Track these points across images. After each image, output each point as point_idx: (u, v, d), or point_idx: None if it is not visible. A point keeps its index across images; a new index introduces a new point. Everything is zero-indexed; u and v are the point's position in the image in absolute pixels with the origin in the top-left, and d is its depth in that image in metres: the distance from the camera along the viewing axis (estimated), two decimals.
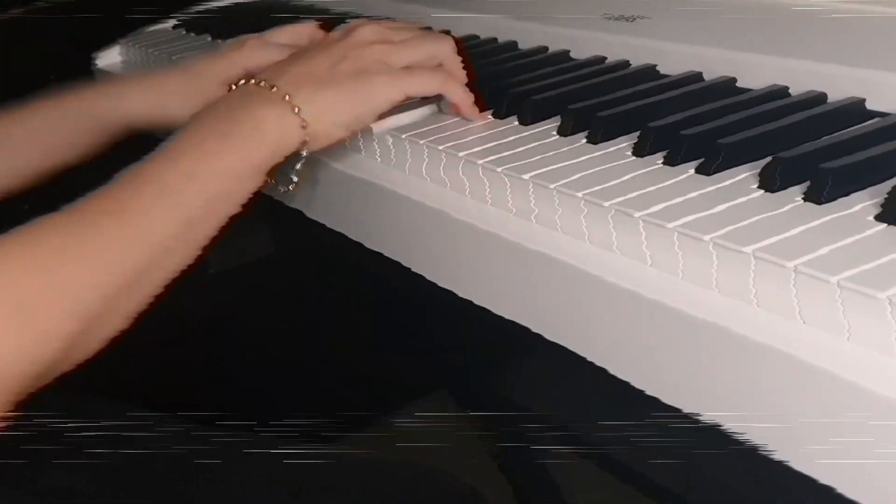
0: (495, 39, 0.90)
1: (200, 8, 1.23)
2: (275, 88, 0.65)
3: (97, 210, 0.58)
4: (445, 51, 0.72)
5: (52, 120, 0.84)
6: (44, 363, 0.54)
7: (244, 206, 0.64)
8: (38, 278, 0.54)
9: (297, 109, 0.65)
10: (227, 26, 1.10)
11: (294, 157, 0.66)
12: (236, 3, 1.26)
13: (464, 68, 0.73)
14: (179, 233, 0.60)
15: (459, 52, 0.74)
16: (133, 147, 0.62)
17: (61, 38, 1.21)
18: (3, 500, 0.68)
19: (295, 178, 0.67)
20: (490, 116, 0.72)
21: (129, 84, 0.88)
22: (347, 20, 0.77)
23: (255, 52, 0.85)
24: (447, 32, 0.81)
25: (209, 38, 1.11)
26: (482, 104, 0.72)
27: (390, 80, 0.68)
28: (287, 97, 0.65)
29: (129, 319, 0.59)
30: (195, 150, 0.62)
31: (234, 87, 0.67)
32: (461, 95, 0.71)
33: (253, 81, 0.66)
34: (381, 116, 0.70)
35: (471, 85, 0.72)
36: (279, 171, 0.66)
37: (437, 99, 0.74)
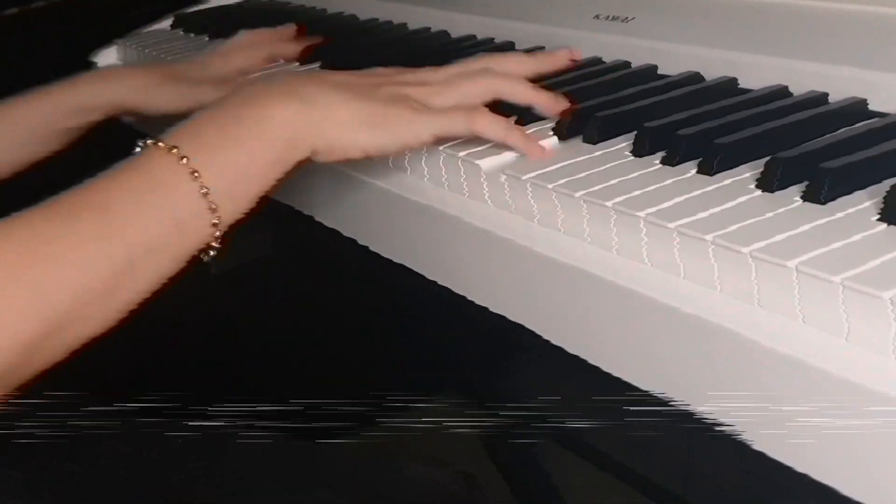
0: (492, 40, 0.90)
1: (198, 8, 1.23)
2: (289, 86, 0.60)
3: (78, 204, 0.53)
4: (494, 87, 0.67)
5: (40, 114, 0.84)
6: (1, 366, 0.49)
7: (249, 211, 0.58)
8: (1, 276, 0.50)
9: (313, 114, 0.59)
10: (224, 26, 1.09)
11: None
12: (238, 3, 1.26)
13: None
14: (168, 233, 0.54)
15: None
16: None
17: (58, 37, 1.21)
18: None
19: None
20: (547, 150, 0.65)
21: (120, 77, 0.88)
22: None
23: (246, 51, 0.87)
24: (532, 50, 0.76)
25: (206, 38, 1.10)
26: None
27: (421, 118, 0.63)
28: (300, 97, 0.59)
29: (107, 324, 0.54)
30: (192, 142, 0.56)
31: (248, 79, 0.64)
32: (499, 135, 0.64)
33: (260, 81, 0.65)
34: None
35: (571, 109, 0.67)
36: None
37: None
